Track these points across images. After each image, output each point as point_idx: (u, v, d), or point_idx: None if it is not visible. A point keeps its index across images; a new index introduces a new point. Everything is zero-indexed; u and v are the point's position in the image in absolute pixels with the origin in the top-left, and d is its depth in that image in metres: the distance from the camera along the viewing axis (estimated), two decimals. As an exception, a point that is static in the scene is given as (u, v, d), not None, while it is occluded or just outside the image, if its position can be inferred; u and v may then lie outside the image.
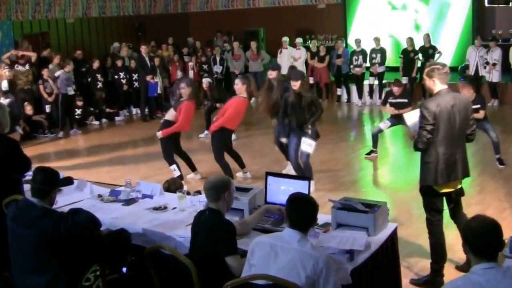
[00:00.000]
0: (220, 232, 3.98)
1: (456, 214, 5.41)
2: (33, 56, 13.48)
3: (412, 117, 5.37)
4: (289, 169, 9.40)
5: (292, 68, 10.49)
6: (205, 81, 12.70)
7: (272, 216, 4.71)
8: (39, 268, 4.03)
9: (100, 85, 14.88)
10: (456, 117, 5.04)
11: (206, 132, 12.34)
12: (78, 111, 14.26)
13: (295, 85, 7.74)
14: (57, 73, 13.29)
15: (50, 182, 4.23)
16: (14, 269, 4.22)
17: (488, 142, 9.10)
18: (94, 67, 14.82)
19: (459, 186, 5.28)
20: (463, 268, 5.34)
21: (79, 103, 14.41)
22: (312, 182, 7.93)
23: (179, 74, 16.46)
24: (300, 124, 7.85)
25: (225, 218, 4.12)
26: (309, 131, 7.84)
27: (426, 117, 4.99)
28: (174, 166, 8.68)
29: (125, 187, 5.76)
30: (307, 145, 7.92)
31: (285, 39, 16.35)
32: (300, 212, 3.64)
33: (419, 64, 14.84)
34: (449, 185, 5.16)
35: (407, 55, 15.21)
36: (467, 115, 5.15)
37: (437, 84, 5.10)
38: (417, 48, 15.25)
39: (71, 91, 13.48)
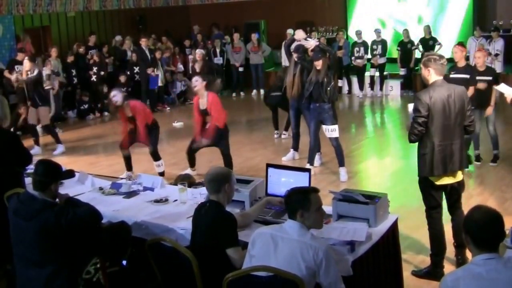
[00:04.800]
0: (220, 224, 3.98)
1: (454, 210, 5.39)
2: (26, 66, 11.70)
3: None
4: (290, 157, 9.48)
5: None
6: (199, 52, 12.68)
7: (273, 208, 4.71)
8: (41, 261, 4.05)
9: (94, 78, 14.88)
10: (452, 107, 5.01)
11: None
12: (85, 106, 14.44)
13: (318, 64, 8.11)
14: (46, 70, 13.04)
15: (51, 174, 4.24)
16: (16, 261, 4.24)
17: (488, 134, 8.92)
18: (68, 60, 14.67)
19: (459, 178, 5.24)
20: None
21: (85, 98, 14.49)
22: (343, 169, 8.44)
23: (180, 67, 16.48)
24: (319, 95, 8.25)
25: (225, 210, 4.12)
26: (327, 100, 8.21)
27: (419, 109, 4.98)
28: (161, 162, 8.65)
29: (126, 179, 5.78)
30: (331, 131, 8.32)
31: (289, 31, 16.31)
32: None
33: (418, 55, 14.81)
34: (446, 177, 5.14)
35: (404, 46, 15.24)
36: (463, 105, 5.11)
37: (432, 75, 5.07)
38: (417, 40, 15.25)
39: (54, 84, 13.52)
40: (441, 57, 5.17)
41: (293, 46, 8.95)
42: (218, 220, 4.00)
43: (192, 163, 8.75)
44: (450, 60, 7.49)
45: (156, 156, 8.61)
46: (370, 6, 18.14)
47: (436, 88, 5.02)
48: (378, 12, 17.94)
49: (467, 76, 8.15)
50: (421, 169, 5.19)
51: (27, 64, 10.93)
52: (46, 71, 12.91)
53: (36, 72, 10.95)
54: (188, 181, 6.27)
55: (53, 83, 13.24)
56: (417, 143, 5.21)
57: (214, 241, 3.93)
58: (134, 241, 4.48)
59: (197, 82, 8.19)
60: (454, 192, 5.31)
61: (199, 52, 12.62)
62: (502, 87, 6.17)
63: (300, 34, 8.86)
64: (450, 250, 5.46)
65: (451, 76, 8.37)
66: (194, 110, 8.47)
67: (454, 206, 5.38)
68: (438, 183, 5.15)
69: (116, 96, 8.15)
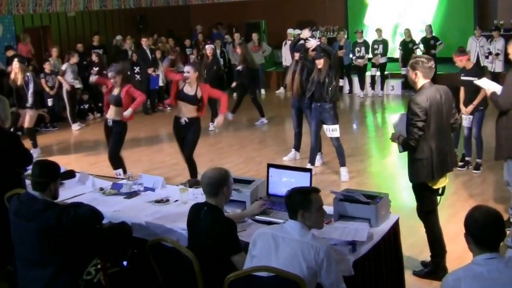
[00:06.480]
0: (222, 232, 3.91)
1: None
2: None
3: (397, 116, 5.28)
4: (291, 157, 9.48)
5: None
6: (208, 47, 12.70)
7: (274, 208, 4.70)
8: (42, 262, 4.04)
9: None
10: (444, 109, 4.99)
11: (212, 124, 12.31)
12: (85, 106, 14.42)
13: (319, 63, 8.12)
14: (64, 66, 13.32)
15: (47, 174, 4.20)
16: (18, 262, 4.23)
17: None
18: (71, 62, 14.65)
19: (447, 181, 5.24)
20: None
21: (85, 98, 14.49)
22: (344, 169, 8.42)
23: (180, 67, 16.46)
24: (321, 95, 8.24)
25: (224, 216, 4.05)
26: (328, 100, 8.20)
27: (417, 114, 4.86)
28: (120, 171, 7.93)
29: (127, 180, 5.76)
30: (332, 131, 8.35)
31: (290, 31, 16.30)
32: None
33: (420, 54, 14.81)
34: (442, 179, 5.11)
35: (406, 46, 15.23)
36: (451, 105, 5.12)
37: (419, 78, 4.99)
38: (419, 39, 15.27)
39: (77, 83, 13.56)
40: (429, 59, 5.07)
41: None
42: (218, 228, 3.93)
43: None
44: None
45: (116, 162, 7.98)
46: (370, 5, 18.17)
47: (428, 91, 4.95)
48: (379, 11, 17.96)
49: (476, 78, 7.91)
50: (417, 175, 5.08)
51: (16, 67, 10.62)
52: (71, 68, 13.25)
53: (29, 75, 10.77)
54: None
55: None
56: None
57: (216, 248, 3.89)
58: (135, 241, 4.48)
59: (189, 74, 7.59)
60: (442, 193, 5.29)
61: (209, 48, 12.63)
62: (482, 82, 6.14)
63: (305, 33, 8.88)
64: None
65: (462, 78, 8.40)
66: (172, 87, 7.86)
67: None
68: (435, 186, 5.11)
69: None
